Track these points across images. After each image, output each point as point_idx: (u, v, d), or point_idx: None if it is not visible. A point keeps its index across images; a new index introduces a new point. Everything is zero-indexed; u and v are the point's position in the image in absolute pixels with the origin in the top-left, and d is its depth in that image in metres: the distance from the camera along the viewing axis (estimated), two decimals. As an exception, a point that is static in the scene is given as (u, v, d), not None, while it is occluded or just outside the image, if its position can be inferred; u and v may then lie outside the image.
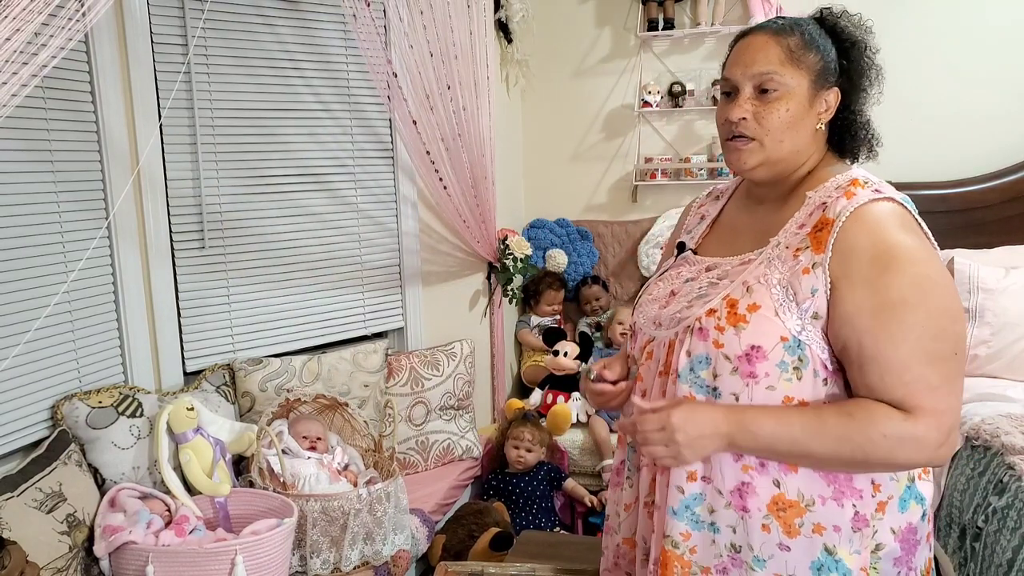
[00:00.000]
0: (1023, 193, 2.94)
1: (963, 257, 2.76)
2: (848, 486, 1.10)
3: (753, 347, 1.09)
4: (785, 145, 1.14)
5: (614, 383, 1.32)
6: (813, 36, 1.14)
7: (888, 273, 1.04)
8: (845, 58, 1.17)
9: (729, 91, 1.17)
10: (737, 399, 1.11)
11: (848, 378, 1.11)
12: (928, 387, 1.04)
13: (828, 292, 1.07)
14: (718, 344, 1.11)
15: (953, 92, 3.05)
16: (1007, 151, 3.00)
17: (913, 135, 3.10)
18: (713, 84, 3.29)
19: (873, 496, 1.11)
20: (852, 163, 1.23)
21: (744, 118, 1.14)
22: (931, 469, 1.18)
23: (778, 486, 1.11)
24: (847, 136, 1.20)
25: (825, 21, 1.19)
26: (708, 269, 1.23)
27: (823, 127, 1.17)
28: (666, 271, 1.32)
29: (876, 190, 1.10)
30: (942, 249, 3.16)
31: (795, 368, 1.09)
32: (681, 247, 1.34)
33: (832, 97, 1.16)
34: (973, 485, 2.10)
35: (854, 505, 1.10)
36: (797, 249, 1.10)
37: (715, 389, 1.13)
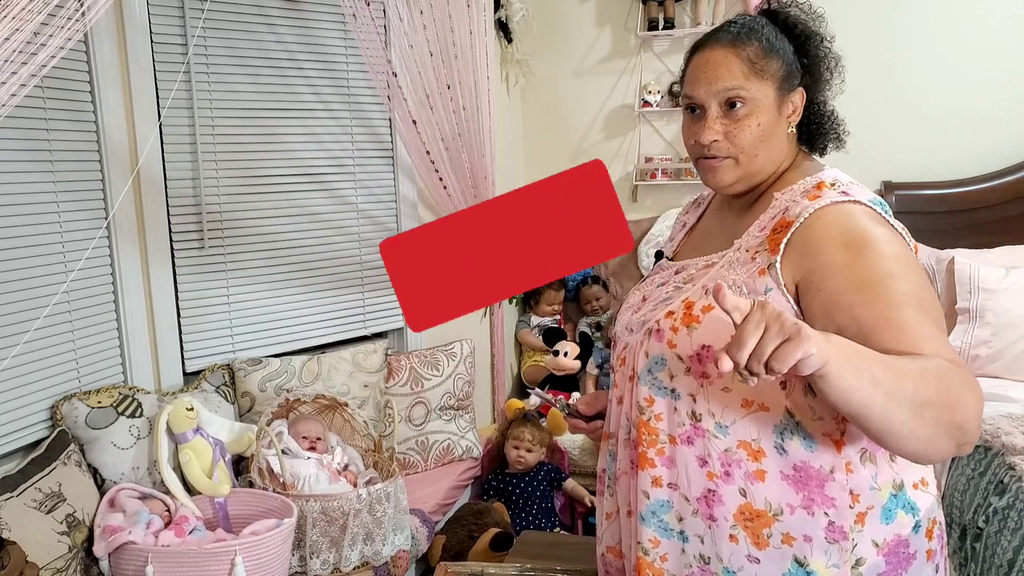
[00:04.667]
0: (1023, 193, 2.94)
1: (963, 257, 2.76)
2: (819, 494, 1.05)
3: (704, 347, 1.06)
4: (760, 158, 1.12)
5: (589, 419, 1.34)
6: (771, 40, 1.10)
7: (864, 256, 0.99)
8: (803, 54, 1.13)
9: (693, 110, 1.14)
10: (694, 400, 1.08)
11: None
12: (948, 347, 0.96)
13: (786, 291, 1.03)
14: (671, 344, 1.09)
15: (953, 92, 3.05)
16: (1007, 151, 3.00)
17: (913, 135, 3.11)
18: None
19: (851, 507, 1.05)
20: (821, 156, 1.21)
21: (716, 140, 1.11)
22: (931, 480, 1.13)
23: (744, 495, 1.07)
24: (815, 131, 1.18)
25: (777, 16, 1.14)
26: (677, 272, 1.22)
27: (793, 129, 1.15)
28: (644, 279, 1.32)
29: (844, 192, 1.05)
30: (941, 249, 3.13)
31: None
32: (659, 255, 1.34)
33: (798, 98, 1.13)
34: (974, 485, 2.10)
35: (826, 514, 1.05)
36: (755, 252, 1.08)
37: (673, 391, 1.11)
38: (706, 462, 1.09)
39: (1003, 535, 1.87)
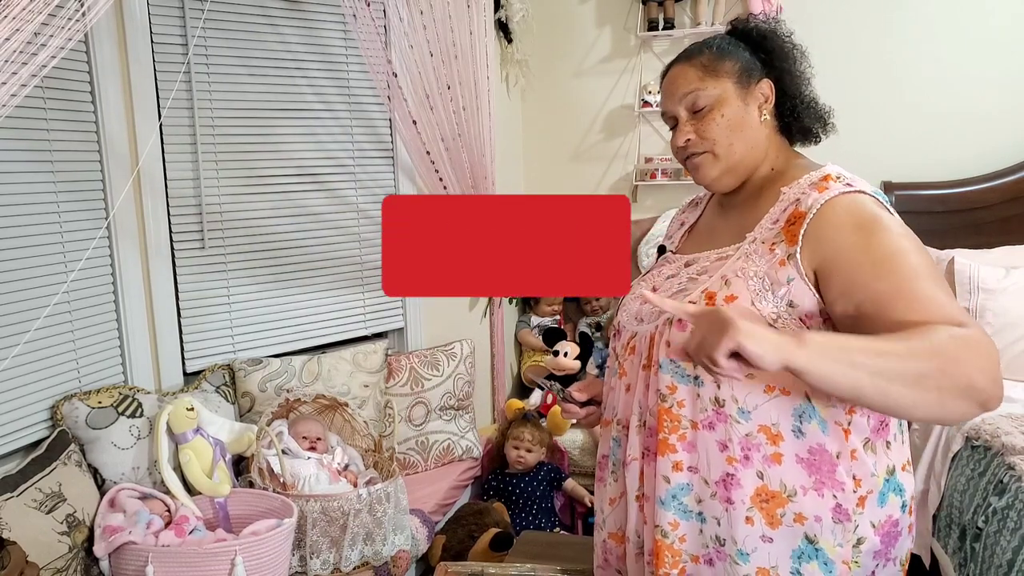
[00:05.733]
0: (1023, 193, 2.94)
1: (963, 257, 2.76)
2: (830, 477, 1.12)
3: None
4: (737, 147, 1.20)
5: (583, 404, 1.42)
6: (722, 46, 1.22)
7: (876, 235, 1.06)
8: (762, 51, 1.23)
9: (671, 124, 1.26)
10: (718, 386, 1.13)
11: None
12: (960, 312, 1.00)
13: (807, 279, 1.09)
14: None
15: (953, 92, 3.05)
16: (1007, 151, 3.00)
17: (913, 135, 3.11)
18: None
19: (855, 491, 1.12)
20: (814, 144, 1.29)
21: (688, 139, 1.21)
22: (910, 459, 1.20)
23: (761, 478, 1.13)
24: (794, 120, 1.26)
25: (735, 31, 1.27)
26: (687, 264, 1.27)
27: (768, 117, 1.22)
28: (648, 272, 1.38)
29: (848, 184, 1.12)
30: (941, 249, 3.13)
31: None
32: (662, 250, 1.40)
33: (766, 87, 1.22)
34: (973, 486, 2.10)
35: (835, 496, 1.11)
36: (772, 244, 1.13)
37: (696, 378, 1.15)
38: (726, 446, 1.14)
39: (1003, 535, 1.86)
